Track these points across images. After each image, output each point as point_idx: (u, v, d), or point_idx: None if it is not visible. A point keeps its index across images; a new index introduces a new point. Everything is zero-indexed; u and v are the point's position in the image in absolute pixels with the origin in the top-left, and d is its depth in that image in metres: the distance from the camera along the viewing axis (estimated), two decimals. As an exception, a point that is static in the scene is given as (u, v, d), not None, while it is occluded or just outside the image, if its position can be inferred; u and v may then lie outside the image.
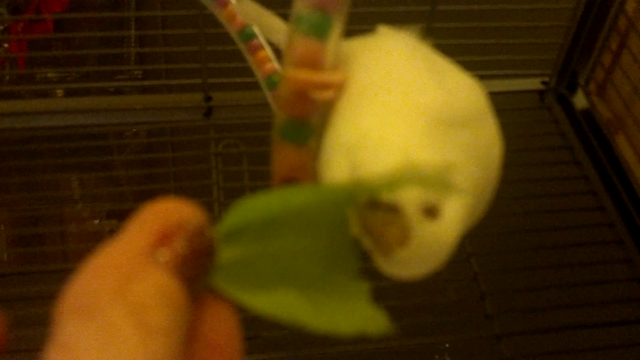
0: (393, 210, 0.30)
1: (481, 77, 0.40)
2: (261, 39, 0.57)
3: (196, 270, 0.18)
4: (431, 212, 0.31)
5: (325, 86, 0.37)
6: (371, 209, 0.30)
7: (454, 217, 0.33)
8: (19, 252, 0.74)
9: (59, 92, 0.86)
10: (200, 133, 0.76)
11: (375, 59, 0.39)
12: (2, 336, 0.18)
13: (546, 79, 0.83)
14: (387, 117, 0.35)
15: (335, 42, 0.37)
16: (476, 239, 0.66)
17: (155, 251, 0.17)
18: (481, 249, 0.67)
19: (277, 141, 0.39)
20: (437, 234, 0.32)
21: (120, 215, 0.75)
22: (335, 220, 0.20)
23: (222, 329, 0.19)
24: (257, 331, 0.59)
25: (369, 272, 0.22)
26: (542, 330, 0.63)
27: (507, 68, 0.80)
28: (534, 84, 0.83)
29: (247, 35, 0.58)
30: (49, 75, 0.88)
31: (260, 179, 0.67)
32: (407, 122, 0.35)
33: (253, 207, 0.19)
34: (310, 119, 0.38)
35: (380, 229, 0.29)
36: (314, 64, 0.36)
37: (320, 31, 0.36)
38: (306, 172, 0.39)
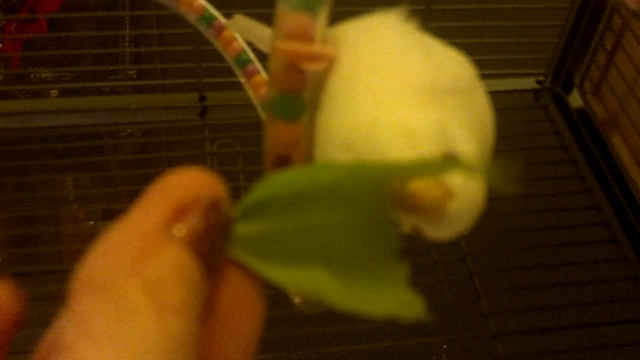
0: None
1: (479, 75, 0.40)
2: (257, 64, 0.57)
3: (212, 246, 0.17)
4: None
5: (316, 58, 0.37)
6: (406, 183, 0.30)
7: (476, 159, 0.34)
8: (14, 252, 0.73)
9: (54, 92, 0.86)
10: (195, 133, 0.75)
11: (363, 39, 0.40)
12: (18, 313, 0.18)
13: (541, 78, 0.83)
14: (378, 97, 0.36)
15: (324, 19, 0.37)
16: (472, 239, 0.66)
17: (171, 226, 0.17)
18: (477, 248, 0.67)
19: (269, 119, 0.39)
20: (468, 178, 0.33)
21: (115, 216, 0.75)
22: (371, 199, 0.19)
23: (241, 305, 0.18)
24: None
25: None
26: (538, 329, 0.63)
27: (503, 67, 0.80)
28: (529, 83, 0.83)
29: (243, 61, 0.58)
30: (44, 75, 0.87)
31: (256, 179, 0.66)
32: (398, 98, 0.35)
33: (281, 181, 0.19)
34: (301, 94, 0.38)
35: (424, 197, 0.30)
36: (305, 37, 0.37)
37: (310, 7, 0.36)
38: (299, 149, 0.39)
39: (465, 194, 0.33)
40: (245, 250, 0.18)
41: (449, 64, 0.39)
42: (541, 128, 0.79)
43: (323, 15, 0.37)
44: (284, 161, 0.39)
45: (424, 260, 0.64)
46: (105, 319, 0.15)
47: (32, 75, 0.87)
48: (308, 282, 0.18)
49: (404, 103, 0.35)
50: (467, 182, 0.33)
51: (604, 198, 0.73)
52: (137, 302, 0.15)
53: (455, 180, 0.32)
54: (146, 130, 0.81)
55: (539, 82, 0.83)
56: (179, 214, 0.17)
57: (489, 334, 0.61)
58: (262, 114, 0.55)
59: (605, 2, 0.76)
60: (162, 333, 0.15)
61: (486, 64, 0.75)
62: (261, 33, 0.49)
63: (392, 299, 0.19)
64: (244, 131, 0.72)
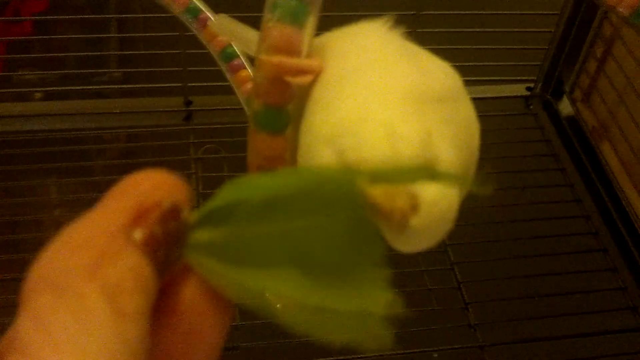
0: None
1: (466, 83, 0.40)
2: (242, 59, 0.57)
3: (168, 251, 0.17)
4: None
5: (302, 71, 0.37)
6: (373, 187, 0.29)
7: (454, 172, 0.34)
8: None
9: (38, 94, 0.85)
10: (180, 138, 0.75)
11: (349, 46, 0.39)
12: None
13: (531, 85, 0.83)
14: (365, 99, 0.35)
15: (311, 31, 0.37)
16: (459, 248, 0.66)
17: (131, 230, 0.17)
18: (465, 258, 0.66)
19: (253, 131, 0.38)
20: (443, 193, 0.32)
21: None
22: (344, 203, 0.18)
23: (205, 313, 0.18)
24: (236, 342, 0.58)
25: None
26: (526, 340, 0.62)
27: (493, 73, 0.80)
28: (519, 89, 0.83)
29: (228, 55, 0.58)
30: (28, 77, 0.86)
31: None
32: (384, 101, 0.35)
33: (246, 186, 0.19)
34: (286, 107, 0.38)
35: (388, 204, 0.29)
36: (291, 50, 0.36)
37: (296, 18, 0.36)
38: (283, 163, 0.39)
39: (432, 210, 0.32)
40: (203, 257, 0.18)
41: (435, 72, 0.39)
42: (531, 135, 0.79)
43: (309, 27, 0.37)
44: None
45: (411, 269, 0.64)
46: (65, 321, 0.15)
47: (15, 78, 0.85)
48: (270, 285, 0.18)
49: (391, 106, 0.35)
50: (435, 199, 0.32)
51: (593, 207, 0.73)
52: (96, 306, 0.15)
53: (424, 195, 0.31)
54: (131, 135, 0.80)
55: (529, 89, 0.83)
56: (139, 217, 0.17)
57: (477, 344, 0.61)
58: (248, 111, 0.55)
59: (595, 10, 0.76)
60: (119, 339, 0.15)
61: (476, 70, 0.75)
62: (245, 35, 0.49)
63: (364, 295, 0.18)
64: (230, 137, 0.71)
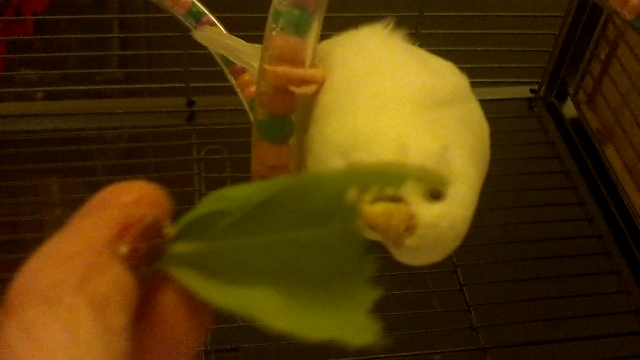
0: (395, 200, 0.31)
1: (470, 84, 0.40)
2: None
3: (150, 264, 0.18)
4: (435, 194, 0.32)
5: (305, 81, 0.36)
6: (371, 202, 0.29)
7: (459, 194, 0.33)
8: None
9: (39, 94, 0.85)
10: (183, 138, 0.75)
11: (353, 52, 0.39)
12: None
13: (535, 87, 0.83)
14: (376, 108, 0.35)
15: (314, 40, 0.37)
16: (462, 250, 0.65)
17: (115, 245, 0.17)
18: (467, 260, 0.66)
19: (257, 140, 0.38)
20: (444, 215, 0.32)
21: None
22: (332, 212, 0.17)
23: (182, 321, 0.18)
24: (238, 343, 0.58)
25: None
26: (528, 342, 0.62)
27: (497, 75, 0.80)
28: (523, 92, 0.83)
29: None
30: (29, 77, 0.86)
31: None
32: (397, 110, 0.35)
33: (228, 197, 0.18)
34: (290, 116, 0.37)
35: (385, 221, 0.29)
36: (294, 60, 0.36)
37: (300, 28, 0.36)
38: (287, 171, 0.39)
39: (429, 232, 0.31)
40: (182, 268, 0.18)
41: (444, 73, 0.39)
42: (535, 137, 0.79)
43: (313, 36, 0.36)
44: None
45: (414, 271, 0.63)
46: (55, 333, 0.15)
47: (17, 77, 0.85)
48: (243, 302, 0.18)
49: (404, 116, 0.35)
50: (433, 222, 0.31)
51: (596, 209, 0.73)
52: (84, 319, 0.15)
53: (423, 216, 0.31)
54: (132, 135, 0.80)
55: (532, 91, 0.83)
56: (123, 232, 0.17)
57: (480, 346, 0.61)
58: (250, 115, 0.55)
59: (599, 12, 0.76)
60: (106, 351, 0.15)
61: (480, 72, 0.75)
62: (232, 44, 0.49)
63: (342, 323, 0.17)
64: (232, 137, 0.71)
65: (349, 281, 0.18)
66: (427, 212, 0.31)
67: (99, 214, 0.17)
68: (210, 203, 0.18)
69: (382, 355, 0.58)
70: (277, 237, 0.18)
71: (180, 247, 0.18)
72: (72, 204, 0.74)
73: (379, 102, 0.35)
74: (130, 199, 0.18)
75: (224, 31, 0.59)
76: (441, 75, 0.38)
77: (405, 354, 0.59)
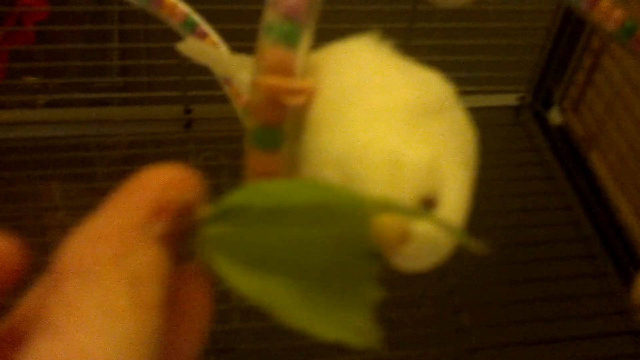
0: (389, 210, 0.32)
1: (458, 93, 0.41)
2: None
3: (184, 245, 0.18)
4: (429, 203, 0.33)
5: (296, 92, 0.37)
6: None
7: (453, 201, 0.34)
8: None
9: (41, 102, 0.86)
10: (180, 145, 0.75)
11: (342, 63, 0.40)
12: (18, 266, 0.18)
13: (522, 94, 0.84)
14: (369, 120, 0.36)
15: (304, 51, 0.37)
16: (451, 254, 0.67)
17: (151, 225, 0.17)
18: (456, 263, 0.67)
19: (249, 149, 0.39)
20: (436, 228, 0.33)
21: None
22: (349, 222, 0.19)
23: (194, 298, 0.19)
24: (233, 344, 0.59)
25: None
26: (517, 343, 0.63)
27: (485, 84, 0.81)
28: (509, 99, 0.84)
29: None
30: (31, 85, 0.87)
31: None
32: (389, 121, 0.36)
33: (261, 190, 0.19)
34: (282, 125, 0.38)
35: (379, 231, 0.31)
36: (285, 71, 0.37)
37: (290, 40, 0.37)
38: (278, 179, 0.39)
39: (422, 244, 0.33)
40: (211, 252, 0.19)
41: (431, 83, 0.40)
42: (521, 145, 0.80)
43: (303, 48, 0.37)
44: None
45: (403, 273, 0.64)
46: (92, 307, 0.16)
47: (18, 86, 0.86)
48: (264, 292, 0.18)
49: (396, 126, 0.36)
50: (426, 235, 0.33)
51: (582, 214, 0.74)
52: (118, 295, 0.16)
53: (417, 229, 0.32)
54: (132, 142, 0.81)
55: (519, 99, 0.84)
56: (157, 213, 0.18)
57: (469, 348, 0.61)
58: (245, 122, 0.56)
59: (583, 23, 0.77)
60: (138, 329, 0.16)
61: (468, 81, 0.76)
62: (215, 56, 0.49)
63: (346, 324, 0.19)
64: (229, 144, 0.72)
65: (356, 281, 0.19)
66: (420, 225, 0.32)
67: (135, 196, 0.18)
68: (243, 193, 0.19)
69: (373, 357, 0.59)
70: (298, 230, 0.19)
71: (212, 230, 0.19)
72: (74, 208, 0.76)
73: (371, 114, 0.36)
74: (165, 182, 0.18)
75: (217, 39, 0.60)
76: (429, 85, 0.39)
77: (396, 354, 0.60)
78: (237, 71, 0.49)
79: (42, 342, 0.15)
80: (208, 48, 0.49)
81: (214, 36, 0.61)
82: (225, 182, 0.69)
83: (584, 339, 0.63)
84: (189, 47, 0.51)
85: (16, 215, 0.72)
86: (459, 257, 0.65)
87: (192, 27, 0.61)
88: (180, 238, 0.18)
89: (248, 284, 0.18)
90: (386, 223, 0.30)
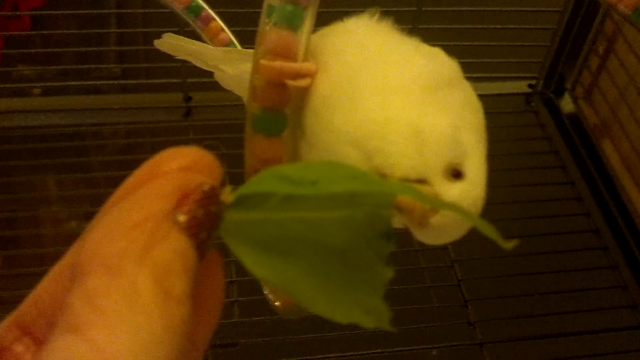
0: (419, 181, 0.33)
1: (468, 79, 0.40)
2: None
3: (208, 232, 0.17)
4: (456, 174, 0.34)
5: (299, 74, 0.37)
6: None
7: (478, 171, 0.35)
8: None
9: (36, 90, 0.85)
10: (180, 134, 0.75)
11: (344, 43, 0.40)
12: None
13: (533, 82, 0.83)
14: (384, 95, 0.36)
15: (307, 34, 0.37)
16: (460, 246, 0.66)
17: (175, 214, 0.17)
18: (465, 255, 0.66)
19: (250, 134, 0.39)
20: (466, 193, 0.34)
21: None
22: (371, 203, 0.19)
23: (210, 286, 0.19)
24: (235, 338, 0.58)
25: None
26: (525, 337, 0.62)
27: (494, 70, 0.80)
28: (520, 86, 0.83)
29: None
30: (26, 73, 0.86)
31: (242, 182, 0.65)
32: (405, 95, 0.36)
33: (280, 174, 0.19)
34: (284, 109, 0.38)
35: (410, 203, 0.30)
36: (287, 54, 0.36)
37: (293, 22, 0.36)
38: (281, 164, 0.39)
39: (457, 202, 0.33)
40: (233, 237, 0.18)
41: (438, 57, 0.40)
42: (532, 132, 0.79)
43: (306, 30, 0.37)
44: None
45: (412, 266, 0.64)
46: (117, 303, 0.15)
47: (14, 73, 0.85)
48: (283, 277, 0.18)
49: (412, 100, 0.36)
50: (456, 200, 0.33)
51: (594, 205, 0.73)
52: (145, 289, 0.16)
53: (446, 195, 0.33)
54: (130, 131, 0.80)
55: (530, 85, 0.83)
56: (182, 201, 0.17)
57: (477, 341, 0.61)
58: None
59: (597, 7, 0.76)
60: (166, 323, 0.15)
61: (478, 67, 0.75)
62: (196, 50, 0.49)
63: (362, 307, 0.19)
64: (229, 133, 0.71)
65: (371, 262, 0.19)
66: (450, 191, 0.33)
67: (157, 182, 0.17)
68: (265, 178, 0.19)
69: (380, 350, 0.58)
70: (319, 215, 0.18)
71: (235, 216, 0.18)
72: (70, 199, 0.75)
73: (385, 90, 0.36)
74: (186, 166, 0.18)
75: (222, 24, 0.59)
76: (437, 59, 0.39)
77: (402, 349, 0.59)
78: (222, 64, 0.48)
79: (65, 341, 0.15)
80: (187, 43, 0.48)
81: (218, 21, 0.60)
82: (226, 172, 0.68)
83: (593, 333, 0.63)
84: (167, 42, 0.49)
85: (11, 205, 0.71)
86: (466, 250, 0.65)
87: (196, 12, 0.60)
88: (203, 225, 0.17)
89: (268, 269, 0.18)
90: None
